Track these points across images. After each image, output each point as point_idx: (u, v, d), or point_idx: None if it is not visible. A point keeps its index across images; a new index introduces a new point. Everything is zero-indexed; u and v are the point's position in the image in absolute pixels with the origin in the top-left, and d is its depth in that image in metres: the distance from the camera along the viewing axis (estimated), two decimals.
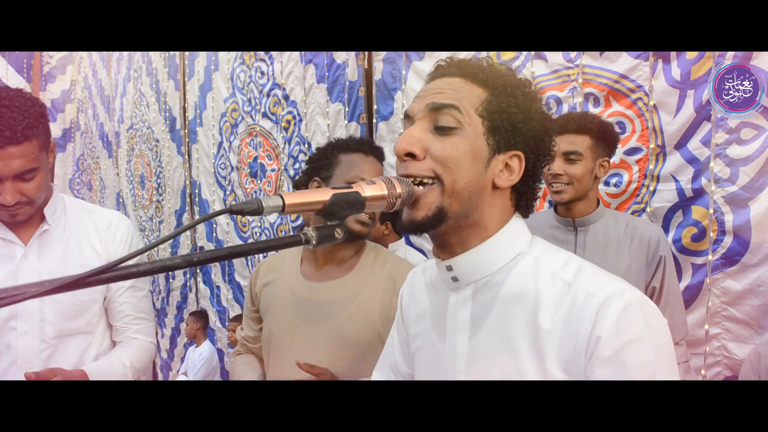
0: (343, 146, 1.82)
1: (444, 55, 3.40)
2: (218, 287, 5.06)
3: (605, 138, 2.17)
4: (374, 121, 3.71)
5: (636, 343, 0.84)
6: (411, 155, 0.95)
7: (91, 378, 1.67)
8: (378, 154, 1.83)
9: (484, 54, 3.12)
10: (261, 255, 4.51)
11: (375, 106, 3.70)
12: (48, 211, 1.79)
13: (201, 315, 5.08)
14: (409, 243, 3.56)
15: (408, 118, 1.01)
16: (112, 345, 1.93)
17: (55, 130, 7.04)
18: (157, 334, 6.03)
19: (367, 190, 0.89)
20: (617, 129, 2.38)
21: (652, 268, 2.13)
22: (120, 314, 1.89)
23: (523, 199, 1.02)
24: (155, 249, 5.86)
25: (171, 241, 5.53)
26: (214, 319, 5.12)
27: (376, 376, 1.33)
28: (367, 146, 1.82)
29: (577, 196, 2.14)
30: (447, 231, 0.98)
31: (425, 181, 0.94)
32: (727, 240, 2.49)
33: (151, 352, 1.96)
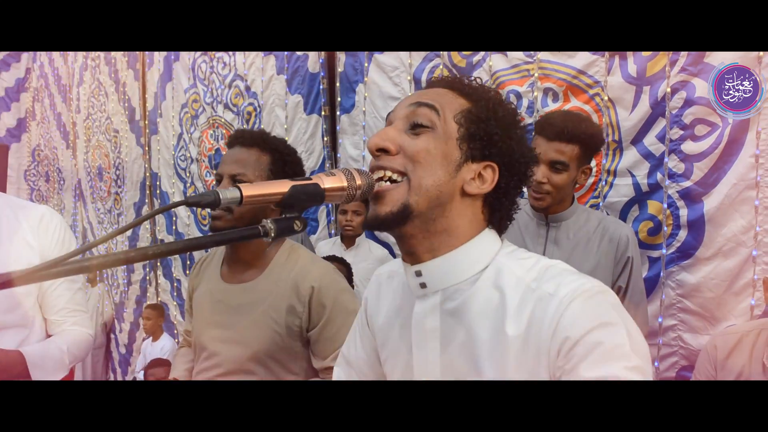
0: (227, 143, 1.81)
1: (405, 54, 3.36)
2: (179, 280, 5.00)
3: (592, 147, 2.11)
4: (336, 113, 3.71)
5: (607, 327, 0.83)
6: (383, 150, 0.97)
7: (29, 359, 1.68)
8: (242, 142, 1.76)
9: (444, 53, 3.14)
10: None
11: (338, 99, 3.68)
12: None
13: (159, 308, 5.00)
14: (371, 237, 3.56)
15: (387, 121, 1.03)
16: None
17: (10, 119, 6.87)
18: (114, 329, 5.93)
19: (326, 182, 0.90)
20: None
21: (620, 268, 2.15)
22: (55, 308, 1.85)
23: (495, 215, 1.01)
24: (113, 242, 5.76)
25: (129, 233, 5.44)
26: (174, 313, 5.05)
27: (337, 372, 1.30)
28: (231, 139, 1.79)
29: (555, 202, 2.12)
30: (415, 235, 0.97)
31: (394, 177, 0.95)
32: (682, 234, 2.55)
33: (89, 344, 1.93)
